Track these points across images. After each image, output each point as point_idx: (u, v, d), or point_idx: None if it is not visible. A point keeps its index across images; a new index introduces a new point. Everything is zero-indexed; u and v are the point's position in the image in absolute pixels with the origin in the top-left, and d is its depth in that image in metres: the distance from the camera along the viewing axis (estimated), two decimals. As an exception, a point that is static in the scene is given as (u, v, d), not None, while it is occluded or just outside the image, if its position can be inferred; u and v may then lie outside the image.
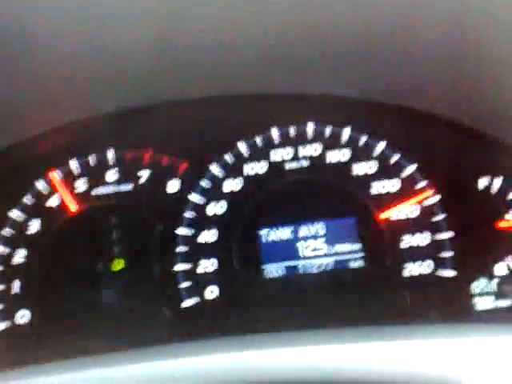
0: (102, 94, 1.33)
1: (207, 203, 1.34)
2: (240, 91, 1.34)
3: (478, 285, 1.20)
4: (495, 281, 1.20)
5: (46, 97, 1.28)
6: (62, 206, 1.38)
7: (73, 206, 1.37)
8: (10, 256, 1.35)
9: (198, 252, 1.30)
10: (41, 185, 1.39)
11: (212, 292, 1.27)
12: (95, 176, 1.39)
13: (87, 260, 1.33)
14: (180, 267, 1.29)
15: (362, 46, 1.14)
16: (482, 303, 1.19)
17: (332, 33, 1.11)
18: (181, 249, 1.31)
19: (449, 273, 1.23)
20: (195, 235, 1.32)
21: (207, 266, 1.29)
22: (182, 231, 1.32)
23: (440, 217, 1.26)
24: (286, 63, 1.24)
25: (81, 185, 1.39)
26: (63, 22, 1.02)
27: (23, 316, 1.30)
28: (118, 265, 1.31)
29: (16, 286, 1.32)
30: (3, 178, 1.41)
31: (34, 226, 1.37)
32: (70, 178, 1.39)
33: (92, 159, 1.40)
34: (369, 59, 1.19)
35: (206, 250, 1.30)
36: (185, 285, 1.28)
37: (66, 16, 1.01)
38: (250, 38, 1.13)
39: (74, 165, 1.40)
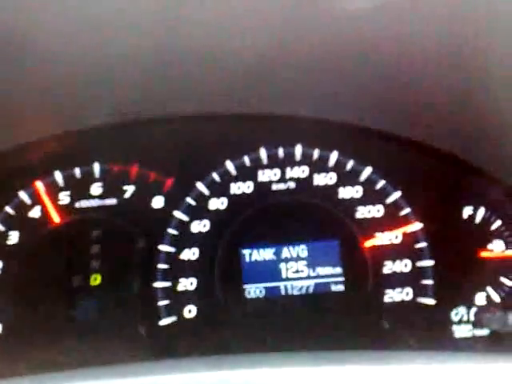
0: (91, 108, 1.33)
1: (191, 221, 1.33)
2: (229, 110, 1.35)
3: (457, 313, 1.21)
4: (474, 310, 1.21)
5: (33, 108, 1.27)
6: (44, 217, 1.36)
7: (55, 218, 1.36)
8: None
9: (179, 270, 1.29)
10: (24, 195, 1.38)
11: (190, 311, 1.26)
12: (79, 189, 1.38)
13: (65, 273, 1.30)
14: (160, 284, 1.28)
15: (356, 71, 1.15)
16: (460, 331, 1.19)
17: (324, 56, 1.13)
18: (161, 266, 1.30)
19: (429, 300, 1.23)
20: (177, 252, 1.31)
21: (187, 284, 1.28)
22: (164, 248, 1.31)
23: (422, 244, 1.27)
24: (277, 84, 1.25)
25: (64, 197, 1.38)
26: (55, 33, 1.02)
27: None
28: (96, 279, 1.29)
29: None
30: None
31: (14, 237, 1.35)
32: (53, 190, 1.38)
33: (77, 172, 1.40)
34: (361, 85, 1.20)
35: (187, 268, 1.29)
36: (163, 302, 1.27)
37: (58, 29, 1.01)
38: (243, 56, 1.14)
39: (58, 176, 1.39)
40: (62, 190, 1.38)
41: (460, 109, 1.18)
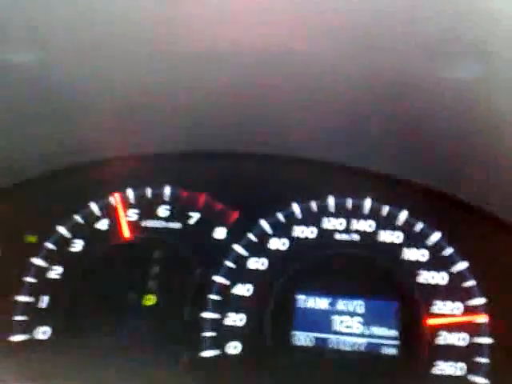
0: (172, 135, 1.39)
1: (250, 256, 1.33)
2: (305, 155, 1.37)
3: (512, 400, 1.14)
4: (533, 399, 1.14)
5: (113, 128, 1.35)
6: (110, 230, 1.40)
7: (121, 233, 1.39)
8: (46, 270, 1.36)
9: (230, 304, 1.29)
10: (95, 206, 1.43)
11: (235, 347, 1.25)
12: (148, 208, 1.42)
13: (120, 289, 1.32)
14: (208, 315, 1.28)
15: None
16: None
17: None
18: (213, 297, 1.30)
19: (481, 380, 1.17)
20: (231, 286, 1.31)
21: (236, 319, 1.27)
22: (218, 279, 1.31)
23: (483, 320, 1.22)
24: (351, 139, 1.28)
25: (133, 214, 1.42)
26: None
27: (44, 332, 1.29)
28: (150, 300, 1.31)
29: (44, 300, 1.32)
30: (59, 193, 1.46)
31: (78, 245, 1.39)
32: (124, 206, 1.43)
33: (148, 192, 1.44)
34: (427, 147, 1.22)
35: (238, 304, 1.29)
36: (209, 334, 1.26)
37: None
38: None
39: (130, 194, 1.44)
40: (131, 207, 1.43)
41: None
